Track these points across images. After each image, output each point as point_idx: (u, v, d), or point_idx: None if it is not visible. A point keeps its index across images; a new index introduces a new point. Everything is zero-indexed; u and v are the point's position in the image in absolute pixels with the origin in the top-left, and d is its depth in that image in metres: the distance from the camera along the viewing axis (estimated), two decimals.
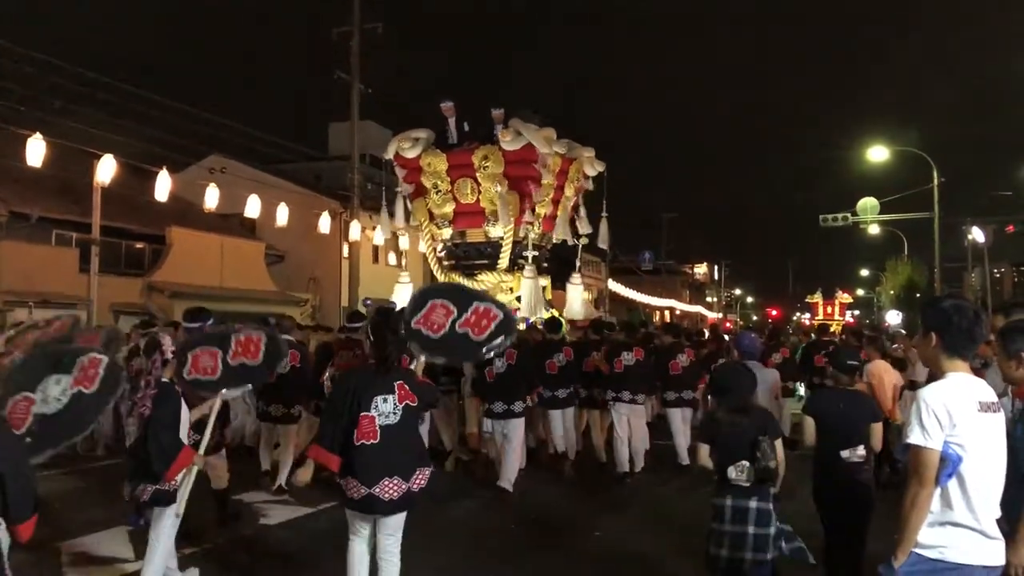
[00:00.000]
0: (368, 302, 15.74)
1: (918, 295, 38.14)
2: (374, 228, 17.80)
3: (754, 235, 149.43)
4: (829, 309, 56.55)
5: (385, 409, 4.17)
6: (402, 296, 12.06)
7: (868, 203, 26.33)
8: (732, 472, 4.04)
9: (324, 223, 18.19)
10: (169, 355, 4.71)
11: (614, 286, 42.97)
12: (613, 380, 8.73)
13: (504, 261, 11.54)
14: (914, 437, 2.70)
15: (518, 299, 11.40)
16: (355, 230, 18.91)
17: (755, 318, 73.74)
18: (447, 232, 12.14)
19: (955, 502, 2.71)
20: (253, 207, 16.15)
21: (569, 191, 12.48)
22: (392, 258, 26.38)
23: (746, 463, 4.03)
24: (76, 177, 15.97)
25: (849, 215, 26.84)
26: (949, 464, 2.67)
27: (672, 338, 10.27)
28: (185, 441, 4.71)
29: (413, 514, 4.41)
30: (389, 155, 12.00)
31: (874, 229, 31.95)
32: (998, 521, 2.78)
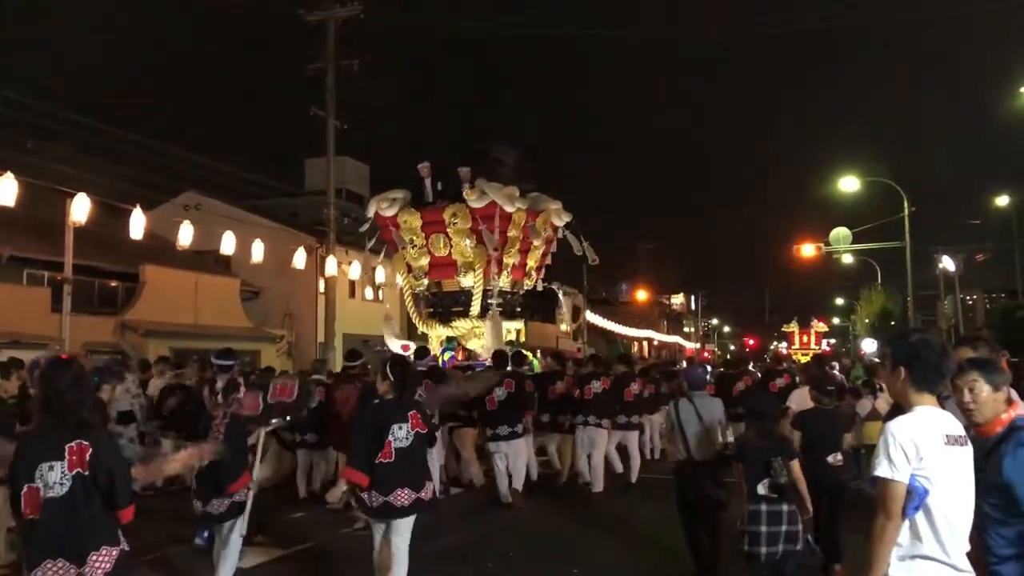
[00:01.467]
0: (377, 348, 16.22)
1: (892, 323, 38.54)
2: (350, 263, 17.81)
3: (730, 265, 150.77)
4: (805, 338, 57.16)
5: (400, 435, 5.04)
6: (391, 328, 13.57)
7: (840, 233, 26.65)
8: (760, 489, 4.92)
9: (300, 259, 18.05)
10: (242, 394, 5.54)
11: (592, 317, 43.11)
12: (582, 405, 9.53)
13: (476, 308, 12.39)
14: (881, 470, 2.72)
15: None
16: (331, 265, 18.84)
17: (732, 347, 74.07)
18: (424, 283, 13.07)
19: (924, 535, 2.71)
20: (228, 244, 16.06)
21: (537, 241, 13.23)
22: (369, 293, 26.40)
23: (768, 479, 4.90)
24: (47, 215, 15.81)
25: (822, 245, 27.19)
26: (916, 497, 2.68)
27: (625, 368, 10.89)
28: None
29: (415, 536, 5.18)
30: (369, 214, 13.08)
31: (847, 258, 32.35)
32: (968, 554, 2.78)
